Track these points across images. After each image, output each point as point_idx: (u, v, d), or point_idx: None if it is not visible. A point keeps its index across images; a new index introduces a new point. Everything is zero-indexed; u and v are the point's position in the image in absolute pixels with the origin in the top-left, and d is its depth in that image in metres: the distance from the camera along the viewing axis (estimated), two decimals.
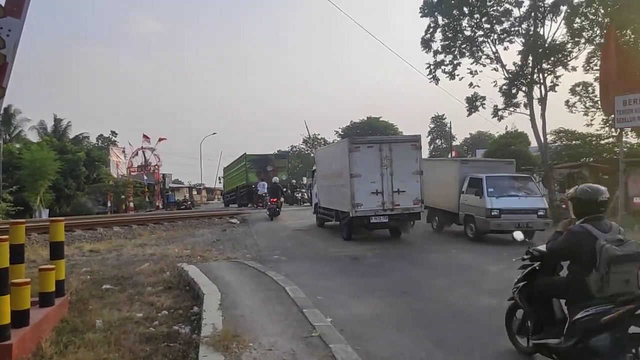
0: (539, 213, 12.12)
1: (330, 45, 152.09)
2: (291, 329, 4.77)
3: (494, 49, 22.39)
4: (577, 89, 24.13)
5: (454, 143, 58.11)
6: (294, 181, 28.91)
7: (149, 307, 6.03)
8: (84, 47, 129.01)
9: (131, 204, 31.60)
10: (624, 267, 3.37)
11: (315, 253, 10.99)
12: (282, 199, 20.77)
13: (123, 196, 31.77)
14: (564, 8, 20.69)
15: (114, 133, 43.35)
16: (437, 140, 78.32)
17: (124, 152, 36.58)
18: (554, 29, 21.59)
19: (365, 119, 59.51)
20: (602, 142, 22.84)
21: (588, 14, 20.24)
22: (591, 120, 23.66)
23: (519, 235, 5.00)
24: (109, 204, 30.74)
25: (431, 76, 23.49)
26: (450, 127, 49.33)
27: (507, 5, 21.60)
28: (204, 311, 5.35)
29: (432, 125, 77.45)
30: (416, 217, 13.23)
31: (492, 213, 11.90)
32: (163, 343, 4.75)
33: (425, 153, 78.67)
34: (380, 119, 59.15)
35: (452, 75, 23.10)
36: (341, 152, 13.24)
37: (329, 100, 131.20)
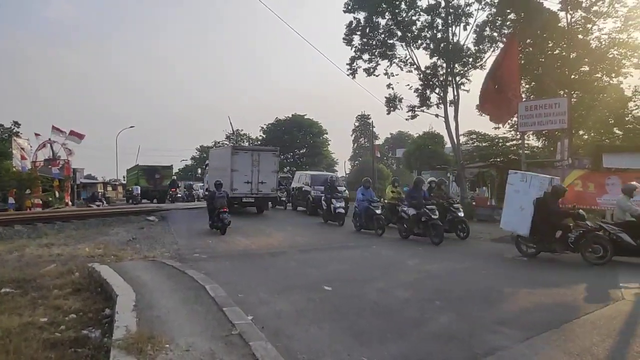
0: None
1: (258, 46, 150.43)
2: (210, 329, 4.68)
3: (407, 52, 23.76)
4: None
5: (376, 142, 59.91)
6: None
7: (54, 311, 5.60)
8: None
9: (37, 201, 28.99)
10: None
11: (237, 250, 10.85)
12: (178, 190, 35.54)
13: (28, 191, 29.08)
14: (470, 20, 22.48)
15: (16, 124, 39.36)
16: (361, 139, 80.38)
17: (29, 144, 33.36)
18: (464, 35, 23.32)
19: (290, 116, 59.75)
20: (507, 144, 24.70)
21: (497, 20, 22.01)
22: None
23: None
24: (10, 201, 28.00)
25: (350, 71, 24.66)
26: (373, 126, 50.82)
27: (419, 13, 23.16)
28: (116, 313, 5.06)
29: (356, 124, 79.44)
30: (273, 200, 20.34)
31: None
32: (70, 349, 4.43)
33: (349, 151, 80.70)
34: (305, 117, 59.70)
35: (369, 73, 24.37)
36: (227, 154, 19.56)
37: (256, 97, 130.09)
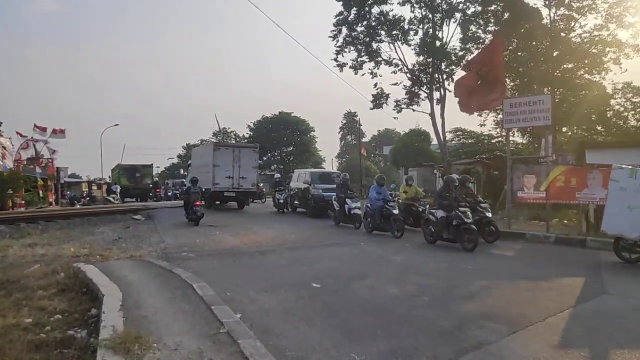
0: None
1: (247, 42, 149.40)
2: (198, 327, 4.65)
3: (393, 51, 23.91)
4: None
5: (363, 139, 59.99)
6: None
7: (39, 312, 5.51)
8: None
9: (20, 200, 28.48)
10: None
11: (225, 249, 10.79)
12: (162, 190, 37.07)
13: (10, 191, 28.55)
14: (458, 15, 22.63)
15: None
16: (348, 136, 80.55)
17: (11, 142, 32.72)
18: (450, 34, 23.51)
19: (277, 113, 59.60)
20: (493, 140, 25.00)
21: (480, 21, 22.20)
22: (484, 120, 25.83)
23: None
24: None
25: (336, 64, 24.82)
26: (360, 124, 50.82)
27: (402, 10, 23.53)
28: (103, 313, 5.01)
29: (344, 121, 79.59)
30: (253, 195, 22.43)
31: None
32: (56, 350, 4.37)
33: (336, 148, 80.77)
34: (292, 114, 59.59)
35: (355, 70, 24.51)
36: (209, 151, 20.65)
37: (244, 94, 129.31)
